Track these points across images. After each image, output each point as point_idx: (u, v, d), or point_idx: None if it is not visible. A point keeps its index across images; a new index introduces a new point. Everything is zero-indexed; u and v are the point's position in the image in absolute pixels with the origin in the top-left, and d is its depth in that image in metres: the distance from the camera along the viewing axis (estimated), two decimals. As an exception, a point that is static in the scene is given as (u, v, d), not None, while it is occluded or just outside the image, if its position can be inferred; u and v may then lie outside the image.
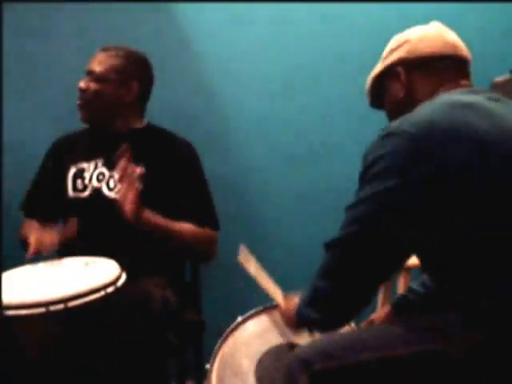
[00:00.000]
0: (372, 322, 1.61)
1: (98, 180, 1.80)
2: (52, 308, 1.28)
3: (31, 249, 1.61)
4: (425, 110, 1.16)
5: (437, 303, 1.22)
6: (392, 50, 1.34)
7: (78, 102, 1.81)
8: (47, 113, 1.85)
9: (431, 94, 1.25)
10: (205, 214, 1.83)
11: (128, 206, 1.56)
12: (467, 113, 1.12)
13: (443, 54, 1.29)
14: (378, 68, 1.38)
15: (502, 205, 1.07)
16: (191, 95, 2.26)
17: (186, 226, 1.76)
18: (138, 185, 1.63)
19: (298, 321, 1.26)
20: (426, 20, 2.13)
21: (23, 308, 1.28)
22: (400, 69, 1.31)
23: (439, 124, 1.10)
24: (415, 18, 2.15)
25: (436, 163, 1.06)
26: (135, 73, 1.83)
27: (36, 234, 1.65)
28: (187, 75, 2.24)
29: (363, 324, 1.62)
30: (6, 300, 1.28)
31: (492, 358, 1.05)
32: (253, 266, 1.58)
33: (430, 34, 1.32)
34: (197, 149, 1.91)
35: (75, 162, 1.85)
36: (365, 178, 1.15)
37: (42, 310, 1.28)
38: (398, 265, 1.19)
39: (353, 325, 1.60)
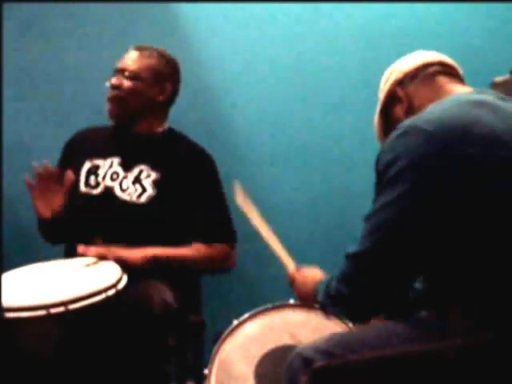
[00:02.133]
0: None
1: (112, 179, 1.79)
2: (52, 310, 1.28)
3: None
4: (436, 109, 1.19)
5: (435, 302, 1.22)
6: (384, 83, 1.41)
7: (108, 96, 1.79)
8: (47, 112, 1.84)
9: (431, 99, 1.28)
10: (216, 229, 1.81)
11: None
12: (477, 110, 1.15)
13: (428, 61, 1.36)
14: (379, 104, 1.42)
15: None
16: (192, 95, 2.26)
17: (188, 251, 1.75)
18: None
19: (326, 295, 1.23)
20: (428, 20, 2.18)
21: (24, 310, 1.28)
22: (397, 89, 1.36)
23: (451, 121, 1.12)
24: (418, 19, 2.22)
25: (450, 159, 1.07)
26: (169, 74, 1.84)
27: None
28: (187, 75, 2.25)
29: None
30: (7, 302, 1.27)
31: (491, 359, 1.06)
32: (255, 216, 1.59)
33: (411, 55, 1.40)
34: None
35: (90, 157, 1.84)
36: (381, 182, 1.15)
37: (42, 312, 1.28)
38: (424, 264, 1.16)
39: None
